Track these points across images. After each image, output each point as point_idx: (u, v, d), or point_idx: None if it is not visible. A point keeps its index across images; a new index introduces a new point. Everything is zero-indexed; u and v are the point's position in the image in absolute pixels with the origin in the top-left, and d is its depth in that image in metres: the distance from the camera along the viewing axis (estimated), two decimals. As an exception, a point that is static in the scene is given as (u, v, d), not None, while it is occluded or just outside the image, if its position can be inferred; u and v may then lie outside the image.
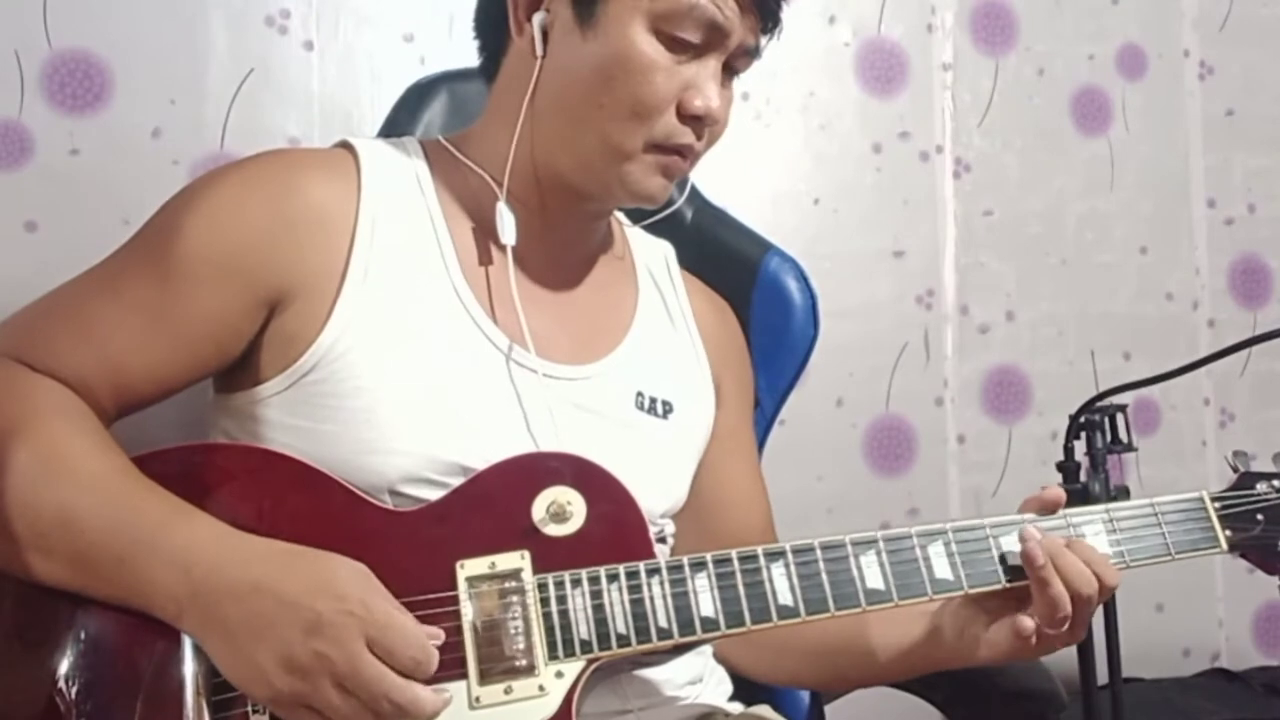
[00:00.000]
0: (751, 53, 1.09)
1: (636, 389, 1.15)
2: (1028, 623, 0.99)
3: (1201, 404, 2.22)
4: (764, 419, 1.39)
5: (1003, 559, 1.02)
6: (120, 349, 1.02)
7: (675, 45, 1.04)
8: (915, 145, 2.05)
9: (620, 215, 1.28)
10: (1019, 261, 2.11)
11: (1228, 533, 1.07)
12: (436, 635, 0.93)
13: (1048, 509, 1.05)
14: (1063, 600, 0.98)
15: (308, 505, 0.99)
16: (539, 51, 1.06)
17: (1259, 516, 1.08)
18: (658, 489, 1.13)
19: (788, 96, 1.97)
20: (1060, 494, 1.04)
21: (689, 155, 1.08)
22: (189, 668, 0.92)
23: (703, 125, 1.07)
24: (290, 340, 1.03)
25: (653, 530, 1.06)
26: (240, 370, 1.06)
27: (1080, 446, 1.77)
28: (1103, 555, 1.02)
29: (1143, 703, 1.93)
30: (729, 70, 1.09)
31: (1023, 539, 1.01)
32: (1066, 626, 0.99)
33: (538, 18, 1.07)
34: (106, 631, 0.93)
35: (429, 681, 0.91)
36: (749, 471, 1.29)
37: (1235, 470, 1.11)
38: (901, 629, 1.10)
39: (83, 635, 0.93)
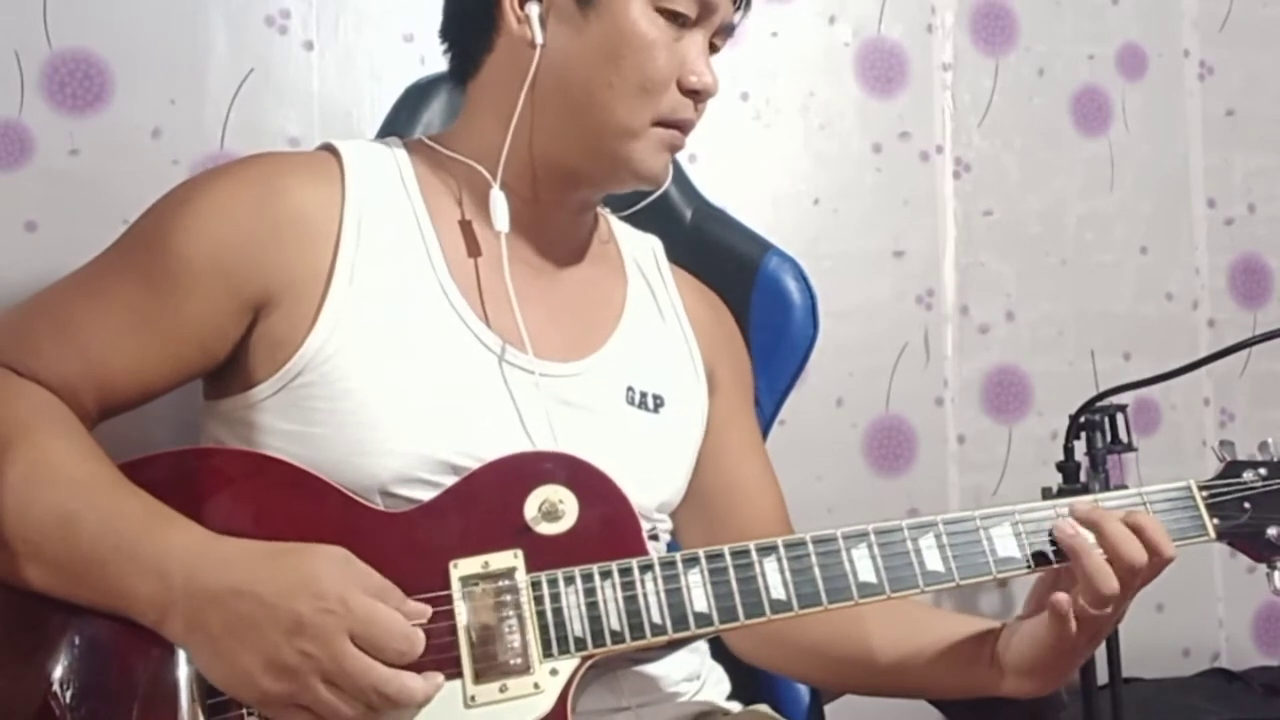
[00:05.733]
0: (728, 30, 1.14)
1: (627, 384, 1.15)
2: (1062, 596, 0.99)
3: (1201, 404, 2.21)
4: (764, 419, 1.39)
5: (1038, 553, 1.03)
6: (104, 351, 1.02)
7: (670, 20, 1.08)
8: (915, 145, 2.05)
9: (610, 215, 1.28)
10: (1019, 261, 2.11)
11: (1215, 521, 1.07)
12: (423, 613, 0.93)
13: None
14: (1101, 572, 0.98)
15: (300, 508, 0.99)
16: (539, 40, 1.08)
17: (1246, 505, 1.08)
18: (651, 484, 1.13)
19: (788, 96, 1.97)
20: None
21: (687, 129, 1.12)
22: (183, 671, 0.92)
23: (699, 99, 1.11)
24: (278, 344, 1.03)
25: (645, 527, 1.06)
26: (230, 375, 1.06)
27: (1080, 446, 1.77)
28: (1158, 523, 1.01)
29: (1143, 703, 1.92)
30: (710, 47, 1.13)
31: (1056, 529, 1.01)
32: (1111, 608, 0.99)
33: (534, 7, 1.08)
34: (101, 635, 0.93)
35: (418, 664, 0.91)
36: (753, 459, 1.28)
37: (1222, 459, 1.11)
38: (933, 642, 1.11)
39: (77, 639, 0.93)
